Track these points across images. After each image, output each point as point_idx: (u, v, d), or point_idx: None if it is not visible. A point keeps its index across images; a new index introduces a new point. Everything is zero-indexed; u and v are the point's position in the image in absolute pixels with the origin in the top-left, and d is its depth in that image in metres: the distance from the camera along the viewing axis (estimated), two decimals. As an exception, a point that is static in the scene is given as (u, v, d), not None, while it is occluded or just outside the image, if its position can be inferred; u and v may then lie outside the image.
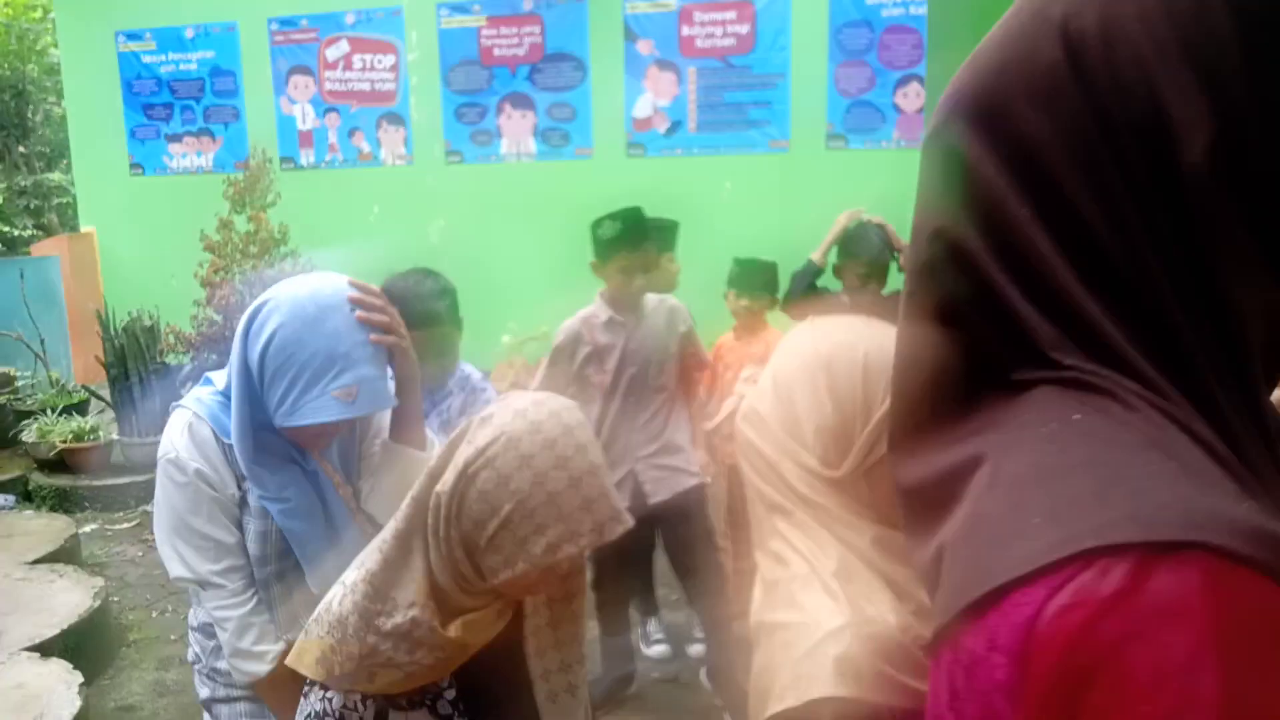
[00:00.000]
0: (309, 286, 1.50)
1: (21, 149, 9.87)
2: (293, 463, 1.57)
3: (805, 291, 3.22)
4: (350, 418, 1.47)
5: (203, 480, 1.53)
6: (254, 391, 1.49)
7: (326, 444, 1.62)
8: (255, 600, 1.60)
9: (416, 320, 1.83)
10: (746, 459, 0.98)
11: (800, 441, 0.93)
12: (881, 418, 0.89)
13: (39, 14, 9.74)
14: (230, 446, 1.53)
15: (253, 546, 1.58)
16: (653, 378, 2.99)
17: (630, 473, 2.99)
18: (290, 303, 1.47)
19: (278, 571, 1.60)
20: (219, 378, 1.61)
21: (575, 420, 1.12)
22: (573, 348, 2.97)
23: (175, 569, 1.59)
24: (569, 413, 1.12)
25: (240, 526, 1.58)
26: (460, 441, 1.13)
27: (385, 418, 1.66)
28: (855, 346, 0.94)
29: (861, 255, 3.16)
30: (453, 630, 1.12)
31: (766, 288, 3.43)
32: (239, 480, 1.56)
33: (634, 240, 2.84)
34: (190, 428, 1.55)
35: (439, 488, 1.11)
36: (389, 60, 7.02)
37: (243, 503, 1.57)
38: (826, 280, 3.33)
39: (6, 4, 9.54)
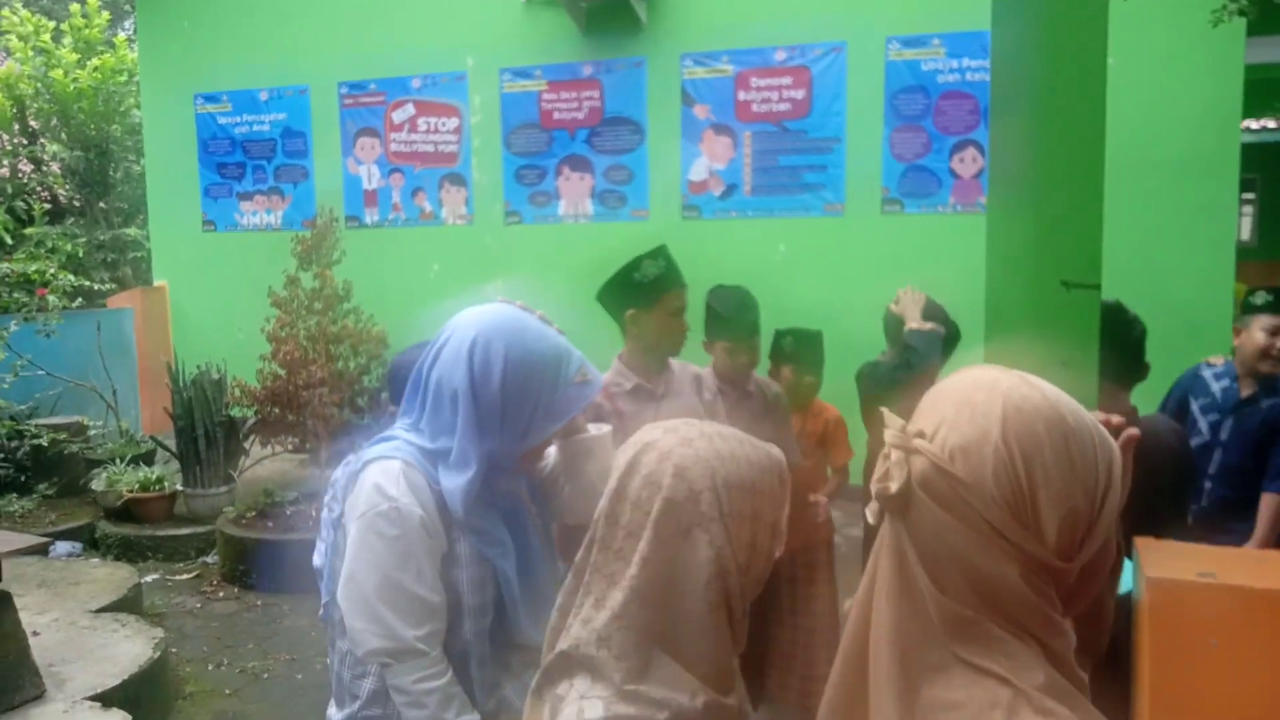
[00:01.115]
0: (489, 312, 1.51)
1: (102, 205, 10.30)
2: (493, 506, 1.53)
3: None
4: (596, 396, 1.52)
5: (425, 530, 1.44)
6: (489, 432, 1.46)
7: (539, 461, 1.61)
8: (449, 668, 1.48)
9: None
10: (916, 538, 0.79)
11: (1031, 527, 0.76)
12: (1116, 500, 0.77)
13: (124, 78, 10.24)
14: (439, 494, 1.47)
15: (470, 597, 1.48)
16: None
17: None
18: (497, 328, 1.47)
19: (493, 622, 1.50)
20: (408, 434, 1.53)
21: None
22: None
23: (372, 641, 1.44)
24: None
25: (444, 583, 1.49)
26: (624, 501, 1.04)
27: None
28: (1083, 414, 0.79)
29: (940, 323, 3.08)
30: (732, 698, 1.04)
31: (820, 360, 3.33)
32: (448, 530, 1.48)
33: (679, 278, 2.57)
34: (405, 475, 1.46)
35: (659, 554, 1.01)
36: (452, 123, 7.23)
37: (448, 556, 1.49)
38: (878, 347, 3.25)
39: (96, 69, 10.04)
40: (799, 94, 6.38)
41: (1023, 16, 2.06)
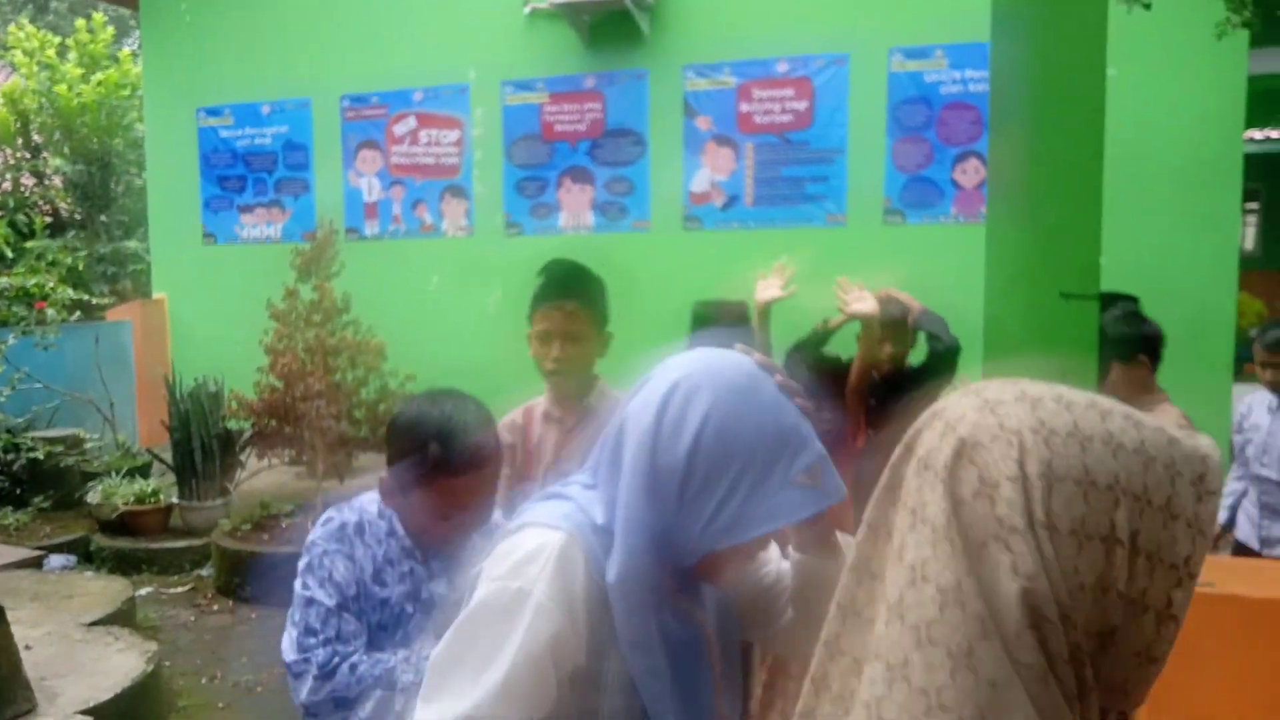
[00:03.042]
0: (715, 356, 1.13)
1: (103, 218, 10.32)
2: (660, 624, 1.12)
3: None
4: (823, 510, 1.09)
5: (552, 645, 1.07)
6: (663, 508, 1.07)
7: (739, 577, 1.21)
8: None
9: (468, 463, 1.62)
10: None
11: None
12: None
13: (128, 92, 10.28)
14: (600, 587, 1.09)
15: None
16: None
17: None
18: (712, 376, 1.09)
19: None
20: (582, 496, 1.15)
21: None
22: (510, 451, 2.16)
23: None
24: None
25: (573, 709, 1.11)
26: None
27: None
28: None
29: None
30: None
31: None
32: (597, 638, 1.10)
33: (555, 293, 2.19)
34: (562, 557, 1.09)
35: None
36: (454, 135, 7.23)
37: (586, 674, 1.10)
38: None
39: (99, 83, 10.08)
40: (801, 105, 6.37)
41: (1022, 27, 2.04)
